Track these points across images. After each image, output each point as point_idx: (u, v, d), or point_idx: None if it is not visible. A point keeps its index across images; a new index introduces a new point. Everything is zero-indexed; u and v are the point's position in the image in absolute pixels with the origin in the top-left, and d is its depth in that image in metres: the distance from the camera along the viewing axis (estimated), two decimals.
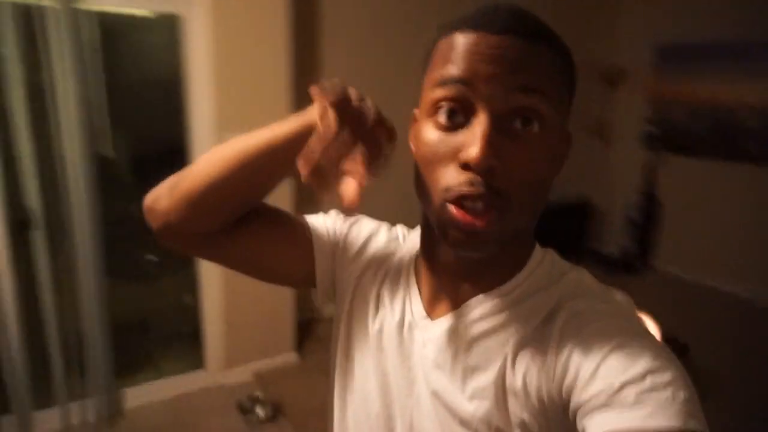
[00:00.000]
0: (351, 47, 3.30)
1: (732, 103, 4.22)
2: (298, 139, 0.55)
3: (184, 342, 3.09)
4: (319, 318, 3.47)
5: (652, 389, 0.44)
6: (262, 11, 2.58)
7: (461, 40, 0.51)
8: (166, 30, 2.53)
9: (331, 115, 0.47)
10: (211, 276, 2.73)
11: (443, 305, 0.62)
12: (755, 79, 4.07)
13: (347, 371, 0.70)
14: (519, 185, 0.51)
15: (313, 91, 0.50)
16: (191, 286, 2.78)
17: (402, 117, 0.69)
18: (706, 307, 4.06)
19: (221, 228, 0.67)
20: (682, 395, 0.44)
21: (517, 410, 0.54)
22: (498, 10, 0.52)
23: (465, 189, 0.50)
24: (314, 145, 0.46)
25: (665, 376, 0.45)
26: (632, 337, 0.49)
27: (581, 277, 0.60)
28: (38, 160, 2.19)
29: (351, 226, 0.75)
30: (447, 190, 0.51)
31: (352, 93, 0.50)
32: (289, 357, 3.04)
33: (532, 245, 0.61)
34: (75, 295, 2.35)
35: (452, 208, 0.51)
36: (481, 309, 0.59)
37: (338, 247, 0.74)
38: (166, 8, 2.44)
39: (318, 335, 3.34)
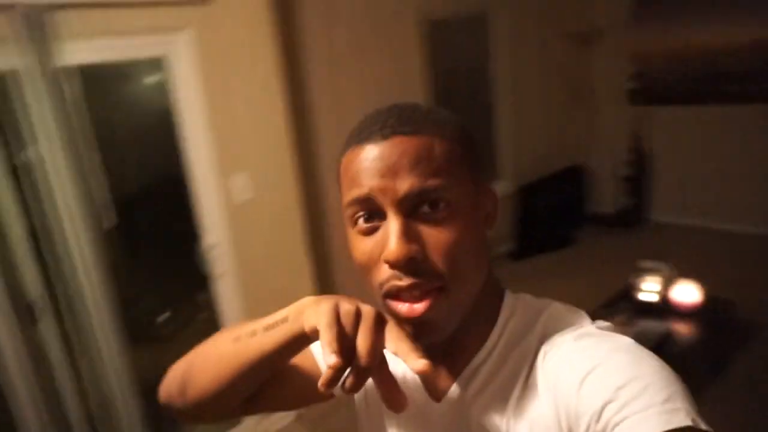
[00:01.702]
0: (334, 66, 3.11)
1: (710, 49, 4.22)
2: (289, 347, 0.58)
3: None
4: None
5: (627, 402, 0.44)
6: (248, 40, 2.41)
7: (354, 157, 0.55)
8: (153, 74, 2.32)
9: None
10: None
11: (441, 382, 0.62)
12: (730, 23, 4.07)
13: None
14: (448, 261, 0.53)
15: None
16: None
17: None
18: (712, 248, 4.12)
19: (240, 404, 0.70)
20: (658, 397, 0.44)
21: None
22: (381, 115, 0.56)
23: (395, 283, 0.53)
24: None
25: (637, 385, 0.45)
26: (603, 357, 0.50)
27: (554, 311, 0.60)
28: (35, 241, 1.99)
29: None
30: (381, 286, 0.54)
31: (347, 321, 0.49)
32: None
33: (499, 298, 0.62)
34: (96, 371, 2.19)
35: (391, 303, 0.54)
36: (471, 382, 0.59)
37: None
38: (150, 52, 2.22)
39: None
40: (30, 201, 1.96)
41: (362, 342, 0.48)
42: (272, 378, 0.72)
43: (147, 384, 2.39)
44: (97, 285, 2.10)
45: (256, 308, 2.60)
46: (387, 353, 0.60)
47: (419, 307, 0.52)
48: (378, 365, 0.49)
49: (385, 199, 0.52)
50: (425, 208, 0.53)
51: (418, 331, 0.54)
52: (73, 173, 1.99)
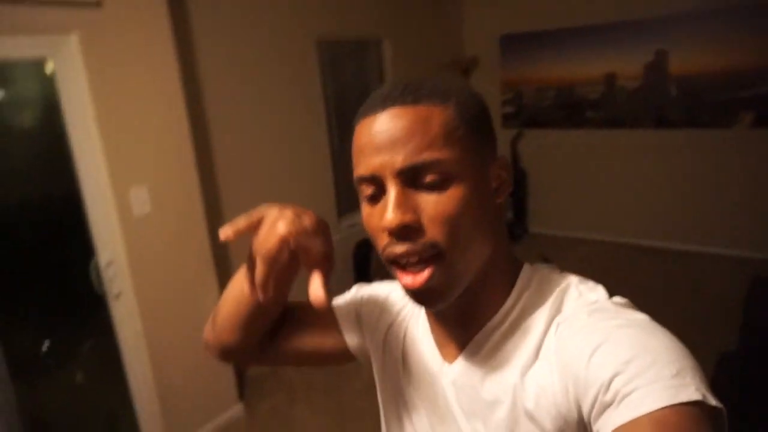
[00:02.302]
0: (230, 78, 3.09)
1: (572, 80, 4.83)
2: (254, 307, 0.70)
3: None
4: None
5: (636, 375, 0.45)
6: (144, 47, 2.32)
7: (359, 131, 0.59)
8: (37, 79, 2.13)
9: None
10: (132, 353, 2.40)
11: (453, 347, 0.65)
12: (587, 58, 4.70)
13: (397, 429, 0.74)
14: (446, 232, 0.55)
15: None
16: (111, 367, 2.42)
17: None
18: (589, 256, 4.62)
19: (261, 340, 0.78)
20: (667, 371, 0.44)
21: None
22: (388, 87, 0.59)
23: (392, 250, 0.56)
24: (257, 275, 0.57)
25: (647, 358, 0.46)
26: (614, 331, 0.51)
27: (569, 284, 0.61)
28: None
29: (368, 294, 0.82)
30: (383, 252, 0.58)
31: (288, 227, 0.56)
32: (236, 410, 2.80)
33: (514, 270, 0.64)
34: None
35: (396, 272, 0.58)
36: (483, 346, 0.62)
37: (361, 317, 0.81)
38: (32, 53, 2.07)
39: (255, 376, 3.13)
40: None
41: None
42: (288, 321, 0.81)
43: (34, 423, 2.13)
44: None
45: (156, 329, 2.44)
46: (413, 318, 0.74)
47: (420, 279, 0.55)
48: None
49: (385, 173, 0.55)
50: (426, 178, 0.55)
51: (420, 300, 0.58)
52: None
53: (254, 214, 0.58)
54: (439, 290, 0.57)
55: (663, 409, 0.42)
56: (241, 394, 2.90)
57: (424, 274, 0.55)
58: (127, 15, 2.25)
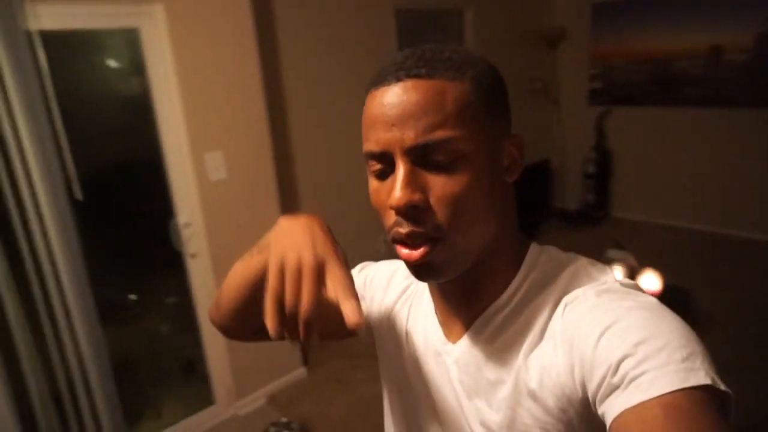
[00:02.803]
0: (308, 48, 3.12)
1: (670, 53, 4.43)
2: (261, 275, 0.60)
3: (186, 380, 2.90)
4: None
5: (646, 358, 0.44)
6: (225, 17, 2.39)
7: (371, 102, 0.56)
8: (125, 47, 2.27)
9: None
10: (205, 308, 2.55)
11: (458, 326, 0.64)
12: (686, 29, 4.28)
13: (399, 407, 0.74)
14: (450, 214, 0.53)
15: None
16: (186, 321, 2.59)
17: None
18: (672, 245, 4.30)
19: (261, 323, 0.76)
20: (678, 355, 0.44)
21: (538, 414, 0.55)
22: (402, 56, 0.56)
23: (397, 230, 0.55)
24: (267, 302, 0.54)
25: (657, 342, 0.45)
26: (623, 313, 0.50)
27: (578, 266, 0.60)
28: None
29: (372, 272, 0.82)
30: (388, 231, 0.57)
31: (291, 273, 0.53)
32: (299, 373, 2.92)
33: (521, 249, 0.62)
34: (64, 349, 2.11)
35: (397, 247, 0.57)
36: (488, 325, 0.61)
37: (363, 295, 0.80)
38: (122, 23, 2.19)
39: (321, 343, 3.23)
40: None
41: (294, 295, 0.52)
42: None
43: (114, 364, 2.33)
44: (63, 262, 2.04)
45: None
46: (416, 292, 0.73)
47: (416, 254, 0.55)
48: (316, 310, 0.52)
49: (394, 149, 0.53)
50: (436, 157, 0.53)
51: (417, 274, 0.58)
52: (37, 146, 1.93)
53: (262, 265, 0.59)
54: (437, 266, 0.56)
55: (673, 392, 0.42)
56: (305, 358, 3.01)
57: (420, 251, 0.55)
58: None
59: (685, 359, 0.44)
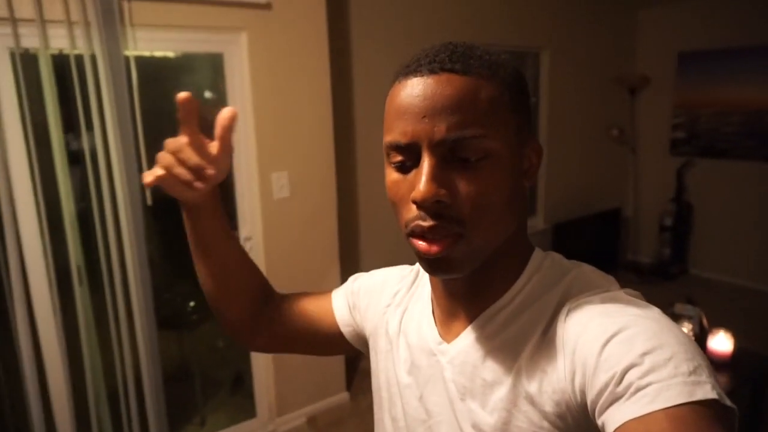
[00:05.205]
0: (375, 76, 3.24)
1: (761, 104, 4.17)
2: (188, 217, 0.74)
3: (232, 391, 2.97)
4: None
5: (652, 369, 0.43)
6: (302, 47, 2.53)
7: (400, 90, 0.55)
8: (206, 70, 2.45)
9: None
10: None
11: (456, 325, 0.64)
12: None
13: (388, 410, 0.73)
14: (473, 211, 0.53)
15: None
16: None
17: None
18: (751, 307, 3.94)
19: (255, 315, 0.83)
20: (685, 368, 0.43)
21: (535, 418, 0.54)
22: (433, 50, 0.55)
23: (418, 224, 0.54)
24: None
25: (664, 353, 0.44)
26: (630, 321, 0.49)
27: (582, 272, 0.59)
28: (82, 217, 2.11)
29: (364, 281, 0.83)
30: (406, 225, 0.55)
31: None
32: (341, 398, 2.91)
33: (527, 252, 0.62)
34: (123, 350, 2.24)
35: (413, 240, 0.55)
36: (487, 325, 0.60)
37: (356, 306, 0.81)
38: (210, 48, 2.38)
39: (366, 370, 3.22)
40: (81, 181, 2.10)
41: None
42: (285, 307, 0.85)
43: (169, 369, 2.44)
44: (132, 266, 2.18)
45: None
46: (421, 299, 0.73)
47: (435, 248, 0.54)
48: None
49: (422, 142, 0.52)
50: (462, 154, 0.53)
51: (432, 268, 0.57)
52: (123, 154, 2.11)
53: None
54: (454, 262, 0.55)
55: (680, 406, 0.41)
56: (349, 384, 3.00)
57: (439, 246, 0.54)
58: (290, 17, 2.48)
59: (692, 372, 0.43)
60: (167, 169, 0.62)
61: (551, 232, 4.38)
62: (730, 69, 4.30)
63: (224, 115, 0.61)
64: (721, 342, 2.54)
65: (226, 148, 0.63)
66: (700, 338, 2.64)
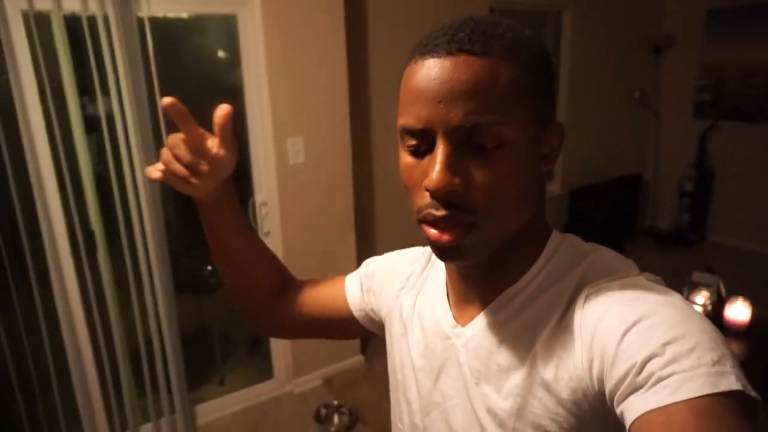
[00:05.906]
0: (394, 43, 3.15)
1: None
2: (203, 209, 0.74)
3: (250, 353, 3.04)
4: None
5: (675, 359, 0.42)
6: (317, 10, 2.46)
7: (416, 72, 0.52)
8: (220, 33, 2.40)
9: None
10: None
11: (472, 309, 0.63)
12: None
13: (403, 393, 0.72)
14: (487, 200, 0.51)
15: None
16: None
17: None
18: (763, 273, 3.90)
19: (269, 306, 0.85)
20: (708, 358, 0.42)
21: (550, 405, 0.53)
22: (452, 27, 0.52)
23: (431, 212, 0.52)
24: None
25: (687, 343, 0.43)
26: (650, 310, 0.47)
27: (600, 256, 0.58)
28: (99, 181, 2.12)
29: (377, 265, 0.82)
30: (418, 211, 0.54)
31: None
32: (357, 361, 2.97)
33: (544, 236, 0.61)
34: (144, 311, 2.29)
35: (424, 227, 0.54)
36: (503, 309, 0.59)
37: (371, 289, 0.81)
38: (224, 9, 2.33)
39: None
40: (98, 145, 2.10)
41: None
42: (298, 292, 0.86)
43: (186, 332, 2.50)
44: (151, 230, 2.20)
45: (295, 270, 2.65)
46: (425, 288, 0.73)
47: (446, 236, 0.52)
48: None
49: (437, 126, 0.50)
50: (478, 141, 0.50)
51: (443, 256, 0.55)
52: (139, 120, 2.10)
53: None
54: (466, 249, 0.54)
55: (703, 397, 0.40)
56: (364, 348, 3.05)
57: (451, 234, 0.52)
58: None
59: (716, 362, 0.42)
60: (165, 164, 0.63)
61: (568, 197, 4.33)
62: (760, 28, 4.12)
63: (219, 113, 0.61)
64: (739, 310, 2.52)
65: (227, 144, 0.63)
66: (718, 306, 2.62)
